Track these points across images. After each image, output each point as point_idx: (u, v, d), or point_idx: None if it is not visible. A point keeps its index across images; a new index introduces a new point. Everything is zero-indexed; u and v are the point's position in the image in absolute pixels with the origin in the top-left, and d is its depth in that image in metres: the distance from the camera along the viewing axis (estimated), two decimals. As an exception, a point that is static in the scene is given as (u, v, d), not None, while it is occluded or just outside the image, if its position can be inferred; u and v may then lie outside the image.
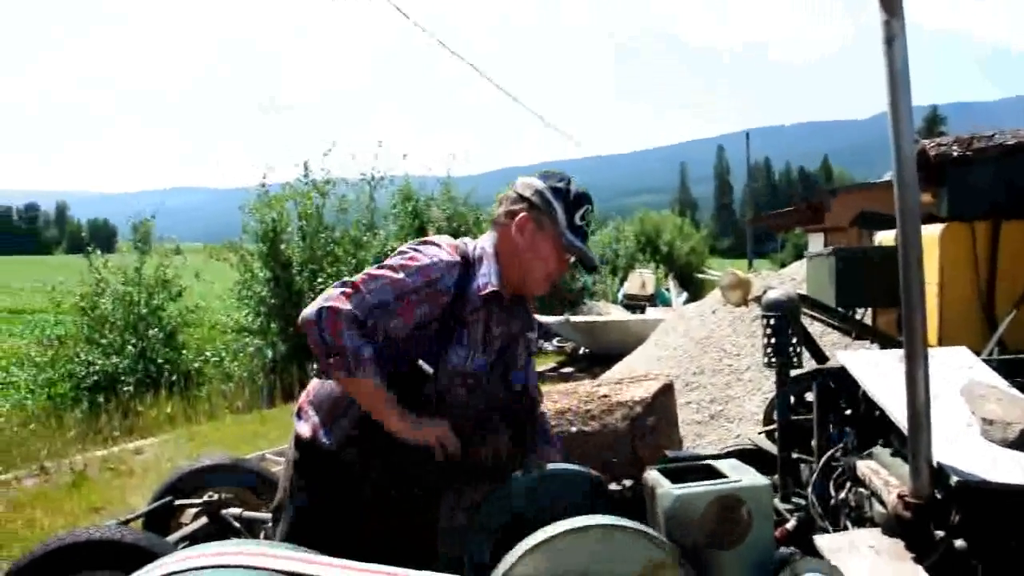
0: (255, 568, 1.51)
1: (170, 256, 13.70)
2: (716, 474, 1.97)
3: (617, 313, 18.28)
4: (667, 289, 24.91)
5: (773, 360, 2.90)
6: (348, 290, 2.14)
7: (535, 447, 2.48)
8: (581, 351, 14.44)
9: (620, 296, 23.78)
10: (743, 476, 1.94)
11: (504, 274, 2.32)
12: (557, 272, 2.35)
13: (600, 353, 13.01)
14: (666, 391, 3.86)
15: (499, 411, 2.48)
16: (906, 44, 2.01)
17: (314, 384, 2.42)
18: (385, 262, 2.25)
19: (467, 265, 2.28)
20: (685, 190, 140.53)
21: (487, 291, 2.24)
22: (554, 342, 16.38)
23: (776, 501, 2.95)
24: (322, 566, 1.57)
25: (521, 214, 2.31)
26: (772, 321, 2.86)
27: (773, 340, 2.87)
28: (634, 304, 21.19)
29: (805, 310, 3.99)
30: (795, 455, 3.17)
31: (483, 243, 2.38)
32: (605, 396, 3.70)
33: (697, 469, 2.04)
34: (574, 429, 3.75)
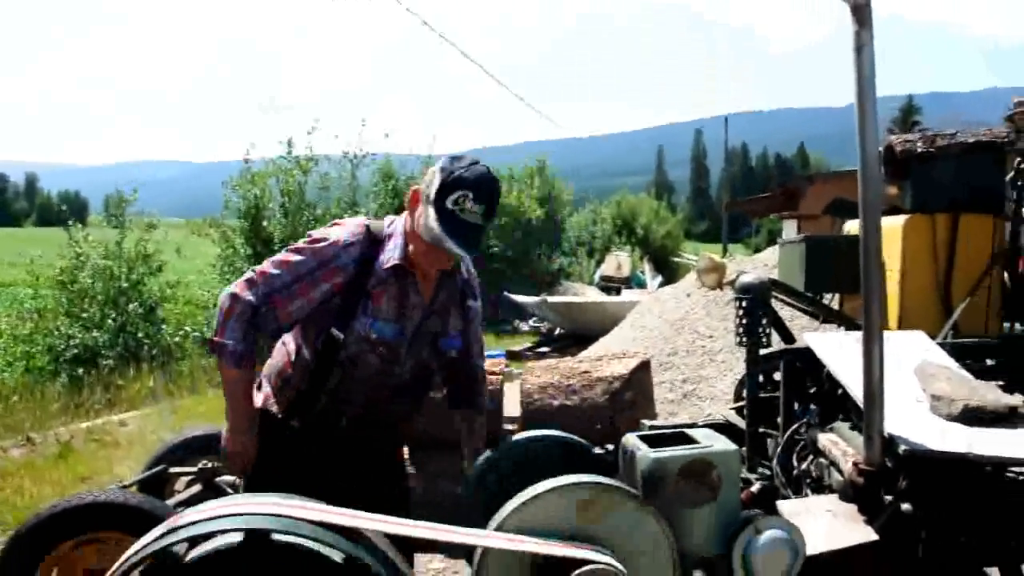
0: (278, 516, 1.68)
1: (150, 231, 13.64)
2: (689, 440, 2.17)
3: (593, 294, 18.49)
4: (642, 272, 25.16)
5: (744, 340, 3.10)
6: (253, 276, 2.35)
7: (469, 412, 2.70)
8: (557, 331, 14.63)
9: (596, 278, 24.01)
10: (714, 442, 2.13)
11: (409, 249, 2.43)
12: (432, 252, 2.34)
13: (576, 333, 13.20)
14: (643, 368, 4.07)
15: (426, 380, 2.60)
16: (874, 52, 2.20)
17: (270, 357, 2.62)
18: (291, 246, 2.46)
19: (374, 242, 2.42)
20: (662, 173, 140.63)
21: (389, 265, 2.40)
22: (530, 322, 16.57)
23: (744, 472, 3.16)
24: (335, 515, 1.74)
25: (412, 191, 2.42)
26: (744, 303, 3.06)
27: (744, 321, 3.07)
28: (610, 286, 21.43)
29: (776, 294, 4.21)
30: (763, 430, 3.38)
31: (399, 220, 2.50)
32: (586, 372, 3.91)
33: (672, 436, 2.23)
34: (556, 403, 3.95)
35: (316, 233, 2.45)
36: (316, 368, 2.42)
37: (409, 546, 1.90)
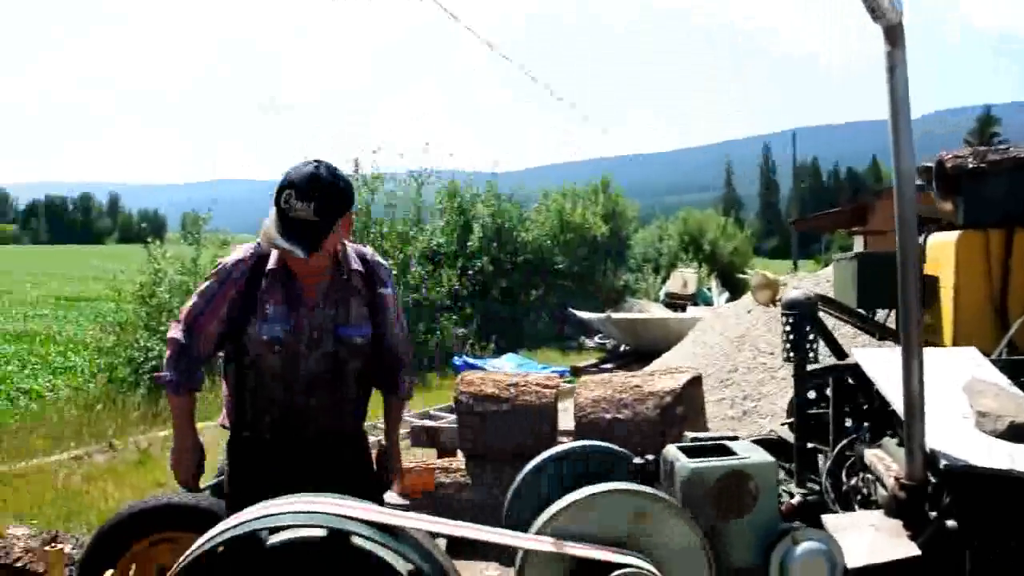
0: (335, 515, 1.81)
1: (224, 248, 14.09)
2: (728, 452, 2.24)
3: (657, 311, 18.44)
4: (709, 288, 24.94)
5: (791, 355, 3.14)
6: (180, 317, 2.68)
7: (388, 396, 2.89)
8: (622, 348, 14.65)
9: (662, 294, 23.92)
10: (751, 454, 2.20)
11: None
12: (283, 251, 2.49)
13: (640, 350, 13.21)
14: (695, 383, 4.12)
15: (340, 370, 2.68)
16: (907, 72, 2.25)
17: None
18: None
19: (263, 256, 2.63)
20: (730, 188, 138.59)
21: (267, 269, 2.62)
22: (596, 339, 16.61)
23: (792, 486, 3.19)
24: (393, 516, 1.86)
25: None
26: (790, 319, 3.09)
27: (791, 337, 3.10)
28: (675, 303, 21.34)
29: (830, 310, 4.21)
30: (814, 445, 3.39)
31: None
32: (638, 386, 3.98)
33: (712, 448, 2.30)
34: (608, 416, 4.03)
35: (219, 260, 2.75)
36: (234, 377, 2.69)
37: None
